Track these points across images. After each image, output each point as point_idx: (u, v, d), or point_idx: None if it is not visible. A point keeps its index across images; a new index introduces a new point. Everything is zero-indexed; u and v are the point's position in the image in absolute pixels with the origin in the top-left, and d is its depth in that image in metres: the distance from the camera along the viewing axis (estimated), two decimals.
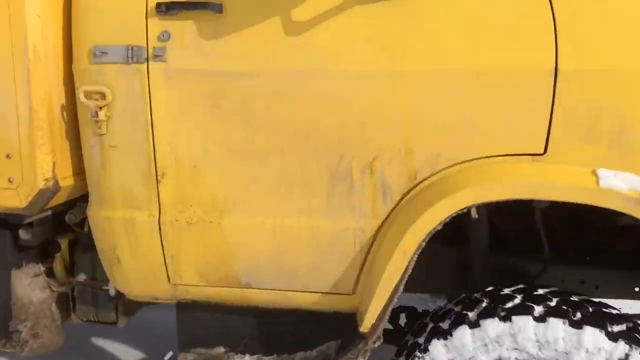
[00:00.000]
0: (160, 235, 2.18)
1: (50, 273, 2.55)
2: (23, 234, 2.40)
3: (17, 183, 2.19)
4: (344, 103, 1.97)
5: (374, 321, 1.99)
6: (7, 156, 2.18)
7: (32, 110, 2.13)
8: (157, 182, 2.14)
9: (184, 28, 2.02)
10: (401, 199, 1.99)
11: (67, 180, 2.23)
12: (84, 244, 2.53)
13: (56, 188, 2.20)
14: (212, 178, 2.11)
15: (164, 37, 2.04)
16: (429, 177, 1.96)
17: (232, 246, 2.15)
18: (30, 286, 2.46)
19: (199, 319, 2.40)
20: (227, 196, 2.11)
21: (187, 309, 2.41)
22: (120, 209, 2.19)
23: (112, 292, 2.51)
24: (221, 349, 2.41)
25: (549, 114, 1.83)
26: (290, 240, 2.11)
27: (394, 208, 2.01)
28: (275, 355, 2.36)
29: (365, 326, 1.99)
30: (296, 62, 1.98)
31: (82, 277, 2.53)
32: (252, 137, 2.05)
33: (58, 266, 2.55)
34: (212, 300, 2.29)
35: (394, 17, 1.88)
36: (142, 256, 2.23)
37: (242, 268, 2.18)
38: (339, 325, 2.25)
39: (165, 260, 2.21)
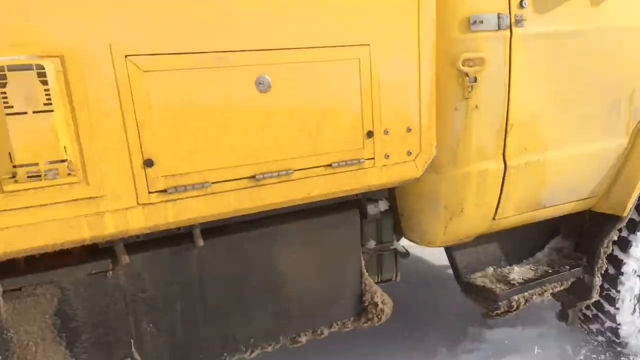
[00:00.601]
0: (503, 180, 2.50)
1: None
2: (372, 210, 2.33)
3: (415, 154, 2.19)
4: (625, 53, 2.65)
5: (632, 205, 2.82)
6: (408, 130, 2.15)
7: (432, 83, 2.16)
8: (506, 134, 2.44)
9: None
10: None
11: (433, 148, 2.30)
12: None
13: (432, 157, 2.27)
14: (542, 123, 2.53)
15: (524, 4, 2.33)
16: None
17: (546, 176, 2.63)
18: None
19: (465, 252, 2.80)
20: (550, 137, 2.57)
21: (453, 248, 2.77)
22: (474, 163, 2.41)
23: (401, 249, 2.65)
24: (490, 269, 2.87)
25: None
26: (583, 163, 2.72)
27: (636, 126, 2.82)
28: (523, 260, 2.96)
29: (626, 211, 2.81)
30: (602, 20, 2.54)
31: (372, 244, 2.56)
32: (569, 87, 2.55)
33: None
34: (510, 227, 2.72)
35: None
36: (483, 202, 2.51)
37: (546, 193, 2.69)
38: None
39: (499, 202, 2.55)
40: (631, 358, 3.15)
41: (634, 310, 3.04)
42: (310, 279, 2.28)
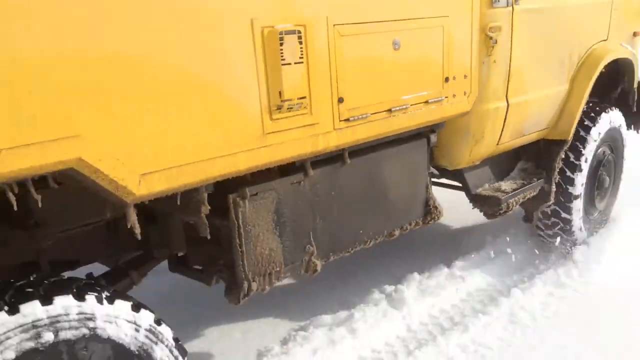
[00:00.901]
0: (506, 115, 3.55)
1: None
2: (433, 139, 3.24)
3: (468, 94, 3.15)
4: (570, 24, 3.82)
5: (573, 130, 4.03)
6: (464, 77, 3.10)
7: (476, 44, 3.13)
8: (509, 81, 3.48)
9: None
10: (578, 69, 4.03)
11: (477, 90, 3.26)
12: None
13: None
14: (527, 74, 3.61)
15: None
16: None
17: (527, 112, 3.72)
18: None
19: (472, 173, 3.83)
20: (530, 83, 3.66)
21: (466, 170, 3.78)
22: (492, 102, 3.42)
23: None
24: (487, 185, 3.93)
25: None
26: (546, 102, 3.86)
27: (572, 75, 4.03)
28: (504, 178, 4.06)
29: (570, 135, 4.02)
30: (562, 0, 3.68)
31: None
32: (542, 48, 3.66)
33: None
34: (503, 151, 3.79)
35: None
36: (495, 131, 3.54)
37: (525, 125, 3.79)
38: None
39: (502, 131, 3.59)
40: (576, 245, 4.40)
41: (579, 211, 4.28)
42: (400, 190, 3.15)
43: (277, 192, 2.50)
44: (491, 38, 3.26)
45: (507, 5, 3.31)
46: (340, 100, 2.49)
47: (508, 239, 4.55)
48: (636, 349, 3.20)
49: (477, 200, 3.81)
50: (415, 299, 3.67)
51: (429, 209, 3.36)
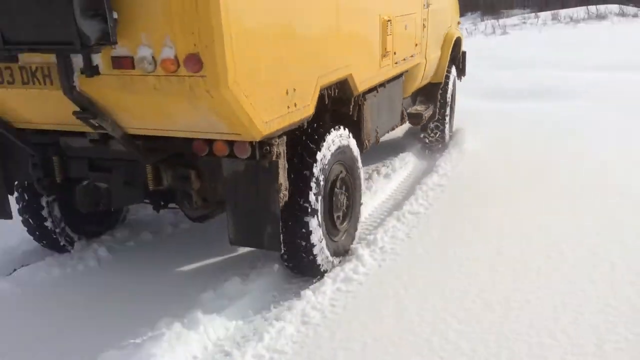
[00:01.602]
0: (425, 66, 6.56)
1: None
2: (403, 79, 6.07)
3: (419, 53, 6.08)
4: (442, 16, 7.00)
5: (444, 75, 7.28)
6: (416, 45, 6.01)
7: (422, 24, 6.09)
8: (427, 45, 6.48)
9: None
10: (443, 42, 7.26)
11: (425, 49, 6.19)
12: None
13: None
14: (430, 45, 6.67)
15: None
16: None
17: (430, 65, 6.79)
18: None
19: (405, 101, 6.84)
20: (430, 50, 6.75)
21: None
22: (422, 58, 6.37)
23: None
24: (409, 108, 6.96)
25: None
26: (433, 62, 7.00)
27: (442, 45, 7.25)
28: (415, 104, 7.14)
29: (442, 78, 7.27)
30: (436, 3, 6.82)
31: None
32: (433, 25, 6.75)
33: None
34: (417, 88, 6.82)
35: None
36: (420, 75, 6.52)
37: (428, 72, 6.87)
38: None
39: (423, 75, 6.62)
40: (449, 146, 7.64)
41: (448, 123, 7.54)
42: (395, 104, 5.91)
43: (370, 98, 5.10)
44: (424, 25, 6.22)
45: (426, 7, 6.31)
46: (395, 53, 5.20)
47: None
48: (414, 333, 3.42)
49: (409, 116, 6.74)
50: (210, 317, 3.56)
51: (403, 117, 6.22)
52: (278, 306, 3.83)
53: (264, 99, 3.10)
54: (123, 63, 2.89)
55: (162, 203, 4.09)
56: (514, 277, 4.01)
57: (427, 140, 7.61)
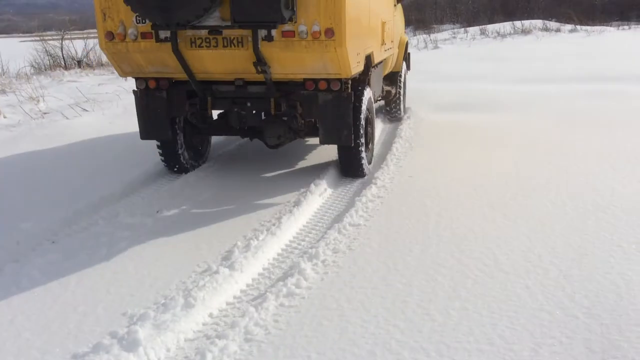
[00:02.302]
0: (391, 56, 9.57)
1: None
2: (384, 63, 9.04)
3: (393, 46, 9.09)
4: (400, 21, 10.07)
5: (403, 65, 10.38)
6: (392, 41, 9.02)
7: (397, 21, 9.11)
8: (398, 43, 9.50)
9: None
10: (399, 43, 10.36)
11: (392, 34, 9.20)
12: None
13: None
14: (394, 33, 9.72)
15: None
16: None
17: (394, 57, 9.82)
18: None
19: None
20: (395, 44, 9.79)
21: None
22: (393, 50, 9.38)
23: None
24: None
25: None
26: (396, 54, 10.05)
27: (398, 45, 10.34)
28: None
29: (400, 68, 10.35)
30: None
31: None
32: (400, 20, 9.81)
33: None
34: (385, 74, 9.86)
35: None
36: (390, 62, 9.53)
37: (391, 62, 9.90)
38: None
39: (390, 63, 9.63)
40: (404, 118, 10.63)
41: (402, 102, 10.59)
42: (379, 83, 8.82)
43: (373, 71, 7.93)
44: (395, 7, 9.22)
45: (396, 5, 9.33)
46: (385, 44, 8.12)
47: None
48: (357, 345, 3.37)
49: (384, 92, 9.69)
50: (151, 338, 3.39)
51: (382, 91, 9.15)
52: (222, 324, 3.69)
53: (353, 55, 5.89)
54: (289, 34, 5.60)
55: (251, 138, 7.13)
56: (452, 286, 4.02)
57: (390, 113, 10.59)
